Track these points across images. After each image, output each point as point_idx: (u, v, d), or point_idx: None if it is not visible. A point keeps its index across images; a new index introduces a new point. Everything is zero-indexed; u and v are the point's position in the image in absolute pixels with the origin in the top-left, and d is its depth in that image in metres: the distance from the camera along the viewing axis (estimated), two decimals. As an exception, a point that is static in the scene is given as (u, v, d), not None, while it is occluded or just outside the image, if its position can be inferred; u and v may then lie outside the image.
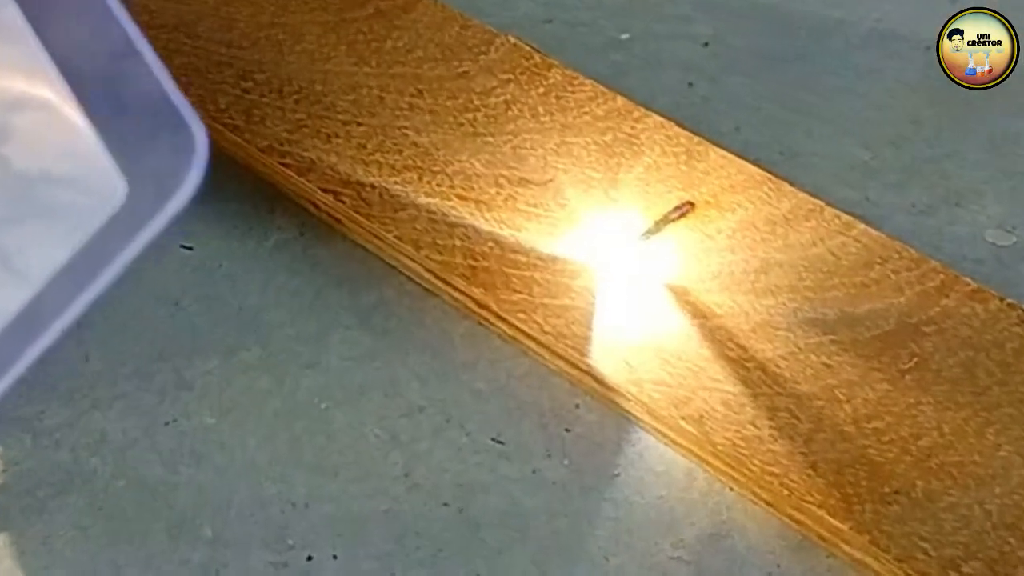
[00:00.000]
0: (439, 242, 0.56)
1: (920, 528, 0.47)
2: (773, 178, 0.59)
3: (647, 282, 0.55)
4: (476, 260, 0.56)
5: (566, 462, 0.52)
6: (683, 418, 0.50)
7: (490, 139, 0.61)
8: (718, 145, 0.60)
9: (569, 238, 0.56)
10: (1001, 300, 0.54)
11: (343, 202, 0.58)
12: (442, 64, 0.64)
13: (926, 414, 0.50)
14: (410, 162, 0.60)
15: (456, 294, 0.56)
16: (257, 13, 0.67)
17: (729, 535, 0.50)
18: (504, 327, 0.55)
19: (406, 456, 0.52)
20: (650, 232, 0.56)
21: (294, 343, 0.56)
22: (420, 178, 0.59)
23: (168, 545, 0.49)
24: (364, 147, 0.60)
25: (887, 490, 0.48)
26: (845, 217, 0.57)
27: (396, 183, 0.59)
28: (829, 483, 0.48)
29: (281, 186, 0.60)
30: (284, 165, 0.59)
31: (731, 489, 0.51)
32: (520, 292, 0.55)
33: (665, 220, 0.57)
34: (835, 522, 0.47)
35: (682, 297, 0.55)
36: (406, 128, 0.61)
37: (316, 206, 0.60)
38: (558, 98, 0.63)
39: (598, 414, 0.53)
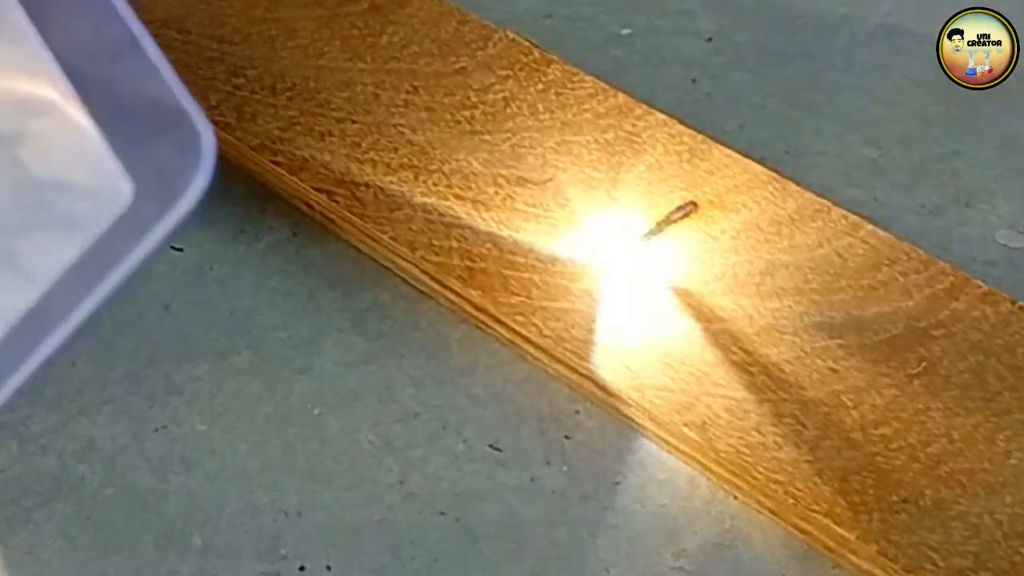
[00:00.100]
0: (435, 243, 0.56)
1: (929, 538, 0.46)
2: (778, 177, 0.59)
3: (649, 284, 0.55)
4: (473, 261, 0.55)
5: (565, 469, 0.51)
6: (686, 424, 0.50)
7: (488, 137, 0.60)
8: (722, 143, 0.60)
9: (569, 239, 0.56)
10: (1013, 303, 0.54)
11: (337, 202, 0.57)
12: (439, 60, 0.64)
13: (935, 420, 0.50)
14: (406, 161, 0.59)
15: (452, 296, 0.56)
16: (249, 8, 0.67)
17: (733, 545, 0.49)
18: (502, 330, 0.55)
19: (401, 463, 0.51)
20: (652, 233, 0.56)
21: (286, 347, 0.56)
22: (416, 177, 0.58)
23: (157, 555, 0.48)
24: (358, 145, 0.60)
25: (895, 498, 0.47)
26: (852, 217, 0.57)
27: (391, 182, 0.58)
28: (835, 491, 0.48)
29: (273, 185, 0.60)
30: (276, 164, 0.59)
31: (735, 497, 0.50)
32: (519, 294, 0.54)
33: (667, 220, 0.57)
34: (842, 531, 0.47)
35: (685, 300, 0.54)
36: (402, 126, 0.61)
37: (309, 206, 0.59)
38: (558, 95, 0.62)
39: (598, 420, 0.53)
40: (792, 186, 0.58)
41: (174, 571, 0.48)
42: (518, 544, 0.49)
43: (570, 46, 0.68)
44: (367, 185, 0.58)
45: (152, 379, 0.54)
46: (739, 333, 0.53)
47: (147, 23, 0.64)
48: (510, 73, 0.63)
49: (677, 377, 0.51)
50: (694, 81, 0.69)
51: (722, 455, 0.49)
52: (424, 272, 0.56)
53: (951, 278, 0.55)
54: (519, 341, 0.54)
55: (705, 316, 0.53)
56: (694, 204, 0.57)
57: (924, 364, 0.52)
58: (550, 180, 0.59)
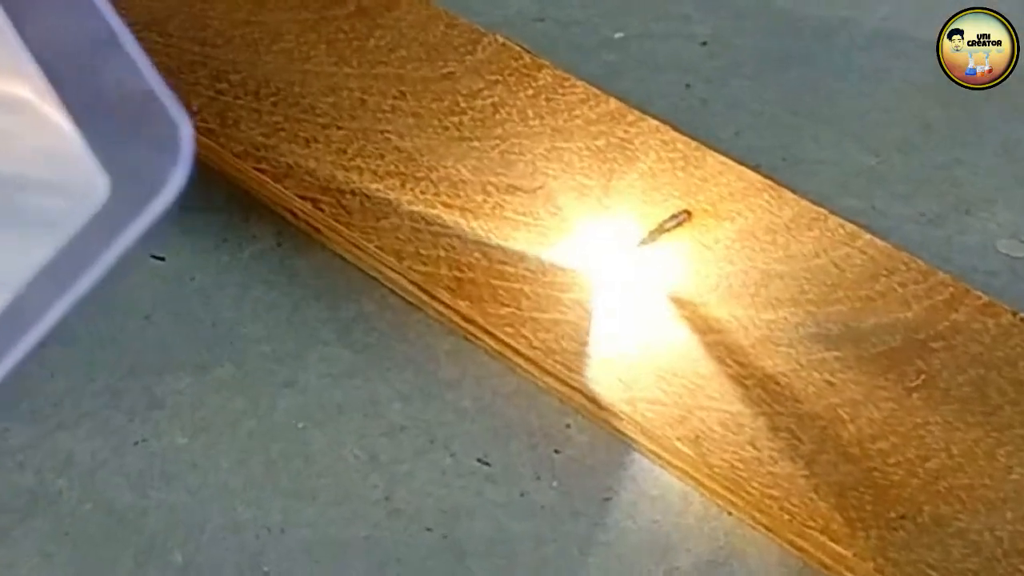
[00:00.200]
0: (423, 252, 0.56)
1: (927, 555, 0.46)
2: (774, 185, 0.58)
3: (641, 295, 0.54)
4: (462, 271, 0.55)
5: (555, 484, 0.51)
6: (679, 439, 0.49)
7: (477, 144, 0.60)
8: (717, 150, 0.60)
9: (560, 248, 0.56)
10: (1014, 314, 0.53)
11: (322, 210, 0.57)
12: (427, 65, 0.64)
13: (934, 435, 0.49)
14: (393, 168, 0.59)
15: (440, 307, 0.55)
16: (232, 10, 0.66)
17: (727, 562, 0.48)
18: (491, 342, 0.54)
19: (387, 479, 0.51)
20: (644, 242, 0.56)
21: (270, 360, 0.55)
22: (403, 185, 0.58)
23: (136, 572, 0.48)
24: (344, 152, 0.59)
25: (893, 515, 0.47)
26: (850, 226, 0.57)
27: (378, 190, 0.58)
28: (832, 507, 0.47)
29: (257, 193, 0.60)
30: (260, 171, 0.59)
31: (729, 513, 0.50)
32: (508, 305, 0.54)
33: (660, 229, 0.56)
34: (838, 548, 0.46)
35: (678, 311, 0.54)
36: (388, 132, 0.60)
37: (294, 214, 0.59)
38: (549, 100, 0.62)
39: (589, 434, 0.52)
40: (788, 194, 0.58)
41: (154, 588, 0.47)
42: (507, 561, 0.48)
43: (562, 50, 0.68)
44: (353, 193, 0.58)
45: (132, 392, 0.54)
46: (734, 345, 0.52)
47: (128, 25, 0.64)
48: (499, 78, 0.63)
49: (670, 390, 0.51)
50: (688, 86, 0.69)
51: (716, 470, 0.49)
52: (411, 282, 0.56)
53: (951, 289, 0.54)
54: (508, 353, 0.54)
55: (699, 327, 0.53)
56: (688, 212, 0.57)
57: (923, 377, 0.51)
58: (540, 188, 0.58)
